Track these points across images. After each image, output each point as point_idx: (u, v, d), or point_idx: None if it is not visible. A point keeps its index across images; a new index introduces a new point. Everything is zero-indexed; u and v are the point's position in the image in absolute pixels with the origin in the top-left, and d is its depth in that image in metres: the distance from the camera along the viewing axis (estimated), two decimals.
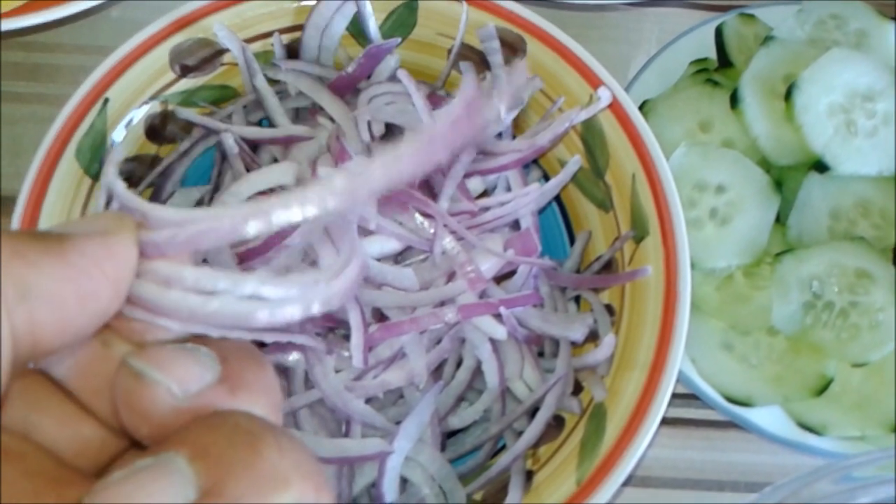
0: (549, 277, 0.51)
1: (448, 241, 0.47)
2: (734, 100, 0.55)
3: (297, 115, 0.55)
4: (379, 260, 0.47)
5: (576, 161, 0.51)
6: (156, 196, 0.53)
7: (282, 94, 0.54)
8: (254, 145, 0.53)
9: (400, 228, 0.47)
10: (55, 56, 0.65)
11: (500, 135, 0.52)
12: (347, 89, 0.54)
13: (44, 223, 0.48)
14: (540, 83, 0.53)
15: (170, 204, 0.53)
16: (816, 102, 0.54)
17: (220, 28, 0.52)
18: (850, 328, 0.51)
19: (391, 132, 0.53)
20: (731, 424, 0.53)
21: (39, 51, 0.65)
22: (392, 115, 0.52)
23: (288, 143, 0.52)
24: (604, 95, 0.50)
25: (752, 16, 0.61)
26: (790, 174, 0.55)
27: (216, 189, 0.53)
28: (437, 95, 0.54)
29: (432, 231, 0.47)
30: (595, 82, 0.52)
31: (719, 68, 0.60)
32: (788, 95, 0.54)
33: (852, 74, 0.55)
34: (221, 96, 0.55)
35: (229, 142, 0.51)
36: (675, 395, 0.55)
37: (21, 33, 0.62)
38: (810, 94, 0.54)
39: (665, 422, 0.55)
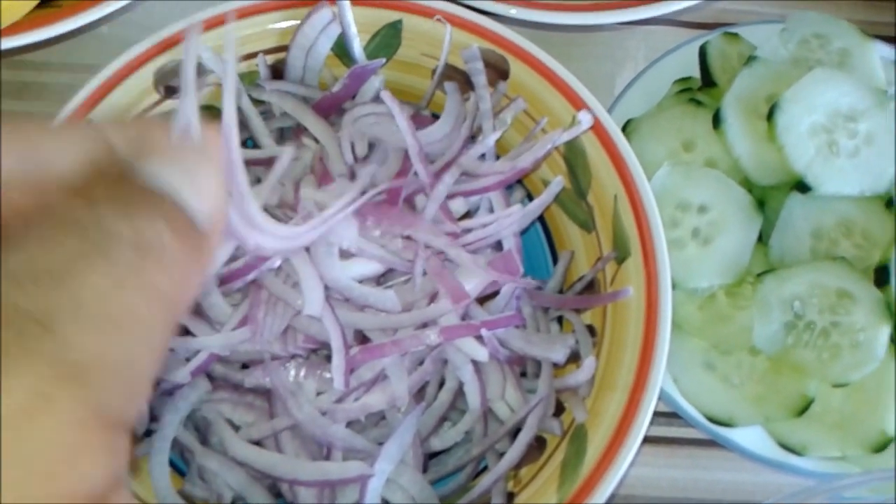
0: (531, 297, 0.51)
1: (429, 261, 0.47)
2: (717, 120, 0.56)
3: (282, 136, 0.55)
4: (360, 282, 0.47)
5: (558, 182, 0.52)
6: None
7: (266, 114, 0.55)
8: None
9: (381, 251, 0.47)
10: (43, 74, 0.66)
11: (483, 156, 0.52)
12: (332, 109, 0.54)
13: None
14: (523, 104, 0.54)
15: None
16: (798, 123, 0.54)
17: (205, 50, 0.52)
18: (831, 348, 0.51)
19: (374, 152, 0.53)
20: (714, 443, 0.54)
21: (27, 69, 0.65)
22: (376, 135, 0.52)
23: (272, 164, 0.52)
24: (584, 119, 0.50)
25: (735, 35, 0.62)
26: (772, 194, 0.55)
27: None
28: (421, 116, 0.55)
29: (413, 252, 0.47)
30: (578, 103, 0.52)
31: (703, 87, 0.60)
32: (770, 115, 0.55)
33: (834, 94, 0.55)
34: (207, 117, 0.55)
35: None
36: (658, 414, 0.55)
37: (10, 53, 0.62)
38: (792, 114, 0.54)
39: (648, 440, 0.56)
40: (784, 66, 0.57)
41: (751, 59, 0.57)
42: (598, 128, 0.51)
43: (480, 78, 0.54)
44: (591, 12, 0.58)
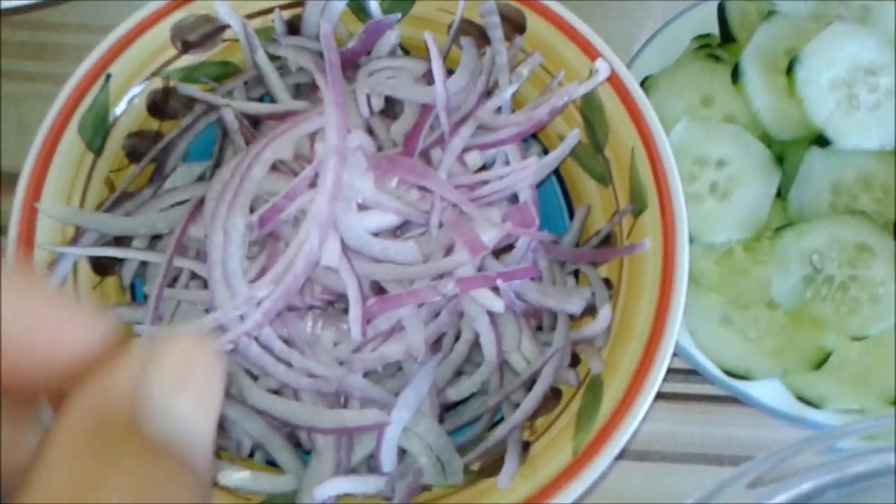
0: (547, 251, 0.51)
1: (446, 212, 0.47)
2: (735, 74, 0.55)
3: (298, 91, 0.55)
4: (377, 234, 0.47)
5: (574, 135, 0.52)
6: (158, 171, 0.53)
7: (283, 69, 0.55)
8: (255, 120, 0.53)
9: (397, 202, 0.47)
10: (60, 35, 0.66)
11: (499, 109, 0.52)
12: (348, 65, 0.54)
13: (47, 198, 0.49)
14: (539, 58, 0.53)
15: (172, 179, 0.53)
16: (818, 77, 0.54)
17: (221, 4, 0.52)
18: (849, 302, 0.51)
19: (391, 107, 0.53)
20: (731, 399, 0.53)
21: (45, 30, 0.66)
22: (392, 88, 0.52)
23: (288, 118, 0.52)
24: (602, 68, 0.50)
25: None
26: (791, 149, 0.55)
27: (217, 164, 0.53)
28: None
29: (430, 204, 0.47)
30: (595, 56, 0.52)
31: (722, 44, 0.60)
32: (790, 70, 0.54)
33: (855, 49, 0.54)
34: (223, 72, 0.55)
35: (229, 117, 0.51)
36: (674, 370, 0.55)
37: (25, 11, 0.62)
38: (812, 68, 0.54)
39: (664, 396, 0.56)
40: (804, 21, 0.56)
41: (770, 14, 0.57)
42: (615, 80, 0.51)
43: (497, 32, 0.53)
44: None
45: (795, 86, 0.54)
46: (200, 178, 0.54)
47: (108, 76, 0.51)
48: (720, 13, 0.60)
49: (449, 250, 0.48)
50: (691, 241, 0.51)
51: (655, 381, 0.45)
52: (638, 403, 0.45)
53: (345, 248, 0.46)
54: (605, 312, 0.48)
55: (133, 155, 0.53)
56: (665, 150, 0.49)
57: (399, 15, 0.55)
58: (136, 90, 0.53)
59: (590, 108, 0.52)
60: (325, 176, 0.46)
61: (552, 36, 0.53)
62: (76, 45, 0.65)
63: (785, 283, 0.51)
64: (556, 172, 0.54)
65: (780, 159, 0.54)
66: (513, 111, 0.53)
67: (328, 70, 0.48)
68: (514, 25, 0.54)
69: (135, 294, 0.52)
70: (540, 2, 0.53)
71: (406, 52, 0.56)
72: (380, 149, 0.51)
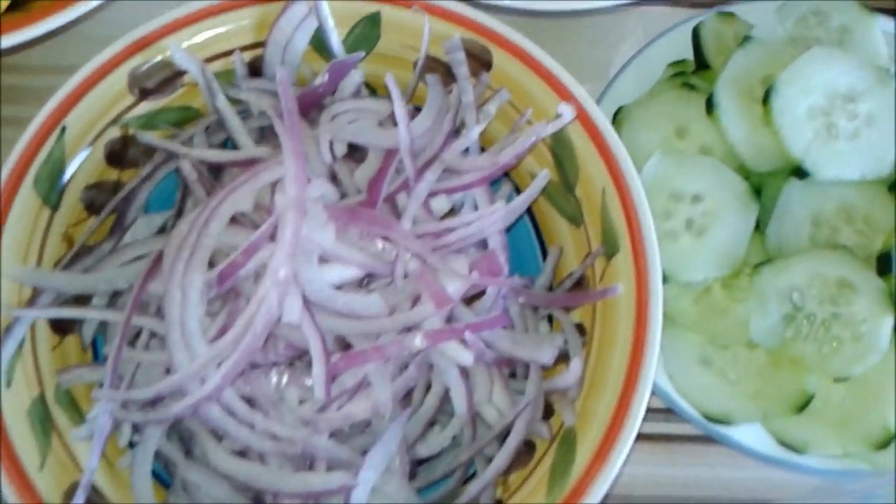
0: (519, 296, 0.50)
1: (411, 262, 0.46)
2: (710, 105, 0.54)
3: (262, 134, 0.54)
4: (340, 287, 0.46)
5: (544, 176, 0.50)
6: (118, 223, 0.52)
7: (245, 113, 0.53)
8: (218, 167, 0.52)
9: (359, 254, 0.46)
10: (24, 77, 0.64)
11: (466, 150, 0.51)
12: (312, 106, 0.53)
13: (4, 253, 0.48)
14: (507, 95, 0.52)
15: (133, 231, 0.52)
16: (795, 105, 0.52)
17: (177, 49, 0.51)
18: (832, 340, 0.49)
19: (356, 149, 0.52)
20: (713, 439, 0.52)
21: (7, 72, 0.64)
22: (355, 134, 0.50)
23: (251, 165, 0.51)
24: (566, 112, 0.48)
25: (731, 14, 0.60)
26: (769, 181, 0.54)
27: (179, 214, 0.52)
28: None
29: (394, 254, 0.46)
30: (564, 93, 0.50)
31: (697, 70, 0.58)
32: (766, 99, 0.52)
33: (832, 74, 0.53)
34: (184, 117, 0.54)
35: (187, 169, 0.50)
36: (654, 410, 0.54)
37: None
38: (788, 96, 0.52)
39: (645, 437, 0.54)
40: (780, 46, 0.55)
41: (745, 40, 0.55)
42: (584, 119, 0.49)
43: (462, 69, 0.52)
44: None
45: (772, 115, 0.52)
46: (163, 229, 0.52)
47: (64, 128, 0.50)
48: (695, 38, 0.58)
49: (416, 300, 0.46)
50: (667, 279, 0.49)
51: (630, 433, 0.44)
52: (613, 458, 0.44)
53: (307, 302, 0.45)
54: (575, 365, 0.46)
55: (92, 207, 0.52)
56: (637, 191, 0.47)
57: (362, 53, 0.53)
58: (93, 140, 0.51)
59: (560, 147, 0.50)
60: (283, 230, 0.44)
61: (519, 72, 0.52)
62: (40, 87, 0.63)
63: (764, 321, 0.50)
64: (529, 211, 0.53)
65: (757, 192, 0.53)
66: (481, 149, 0.52)
67: (286, 118, 0.46)
68: (481, 62, 0.52)
69: (96, 352, 0.51)
70: (506, 37, 0.52)
71: (373, 90, 0.55)
72: (343, 195, 0.49)
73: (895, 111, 0.53)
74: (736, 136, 0.53)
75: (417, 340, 0.45)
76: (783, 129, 0.52)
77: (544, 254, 0.53)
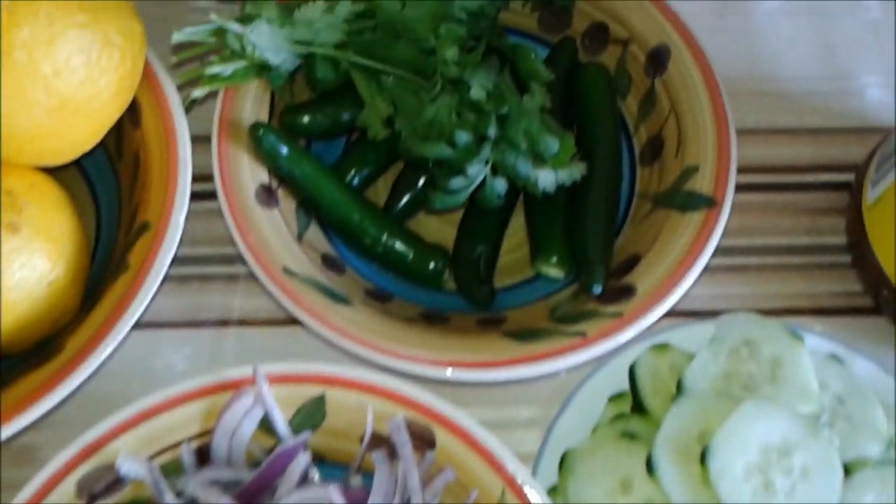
0: None
1: None
2: (650, 465, 0.55)
3: None
4: None
5: None
6: None
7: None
8: None
9: None
10: None
11: None
12: (262, 492, 0.54)
13: None
14: (452, 474, 0.53)
15: None
16: (732, 465, 0.54)
17: (124, 461, 0.52)
18: None
19: None
20: None
21: None
22: None
23: None
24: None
25: (664, 345, 0.62)
26: None
27: None
28: (351, 490, 0.54)
29: None
30: (504, 474, 0.52)
31: (635, 411, 0.60)
32: (703, 458, 0.54)
33: (765, 428, 0.55)
34: None
35: None
36: None
37: None
38: (725, 457, 0.54)
39: None
40: (711, 401, 0.56)
41: (678, 392, 0.57)
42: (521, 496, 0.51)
43: (406, 449, 0.53)
44: (529, 364, 0.57)
45: (710, 477, 0.53)
46: None
47: None
48: (631, 379, 0.60)
49: None
50: None
51: None
52: None
53: None
54: None
55: None
56: None
57: (309, 433, 0.54)
58: None
59: None
60: None
61: (462, 451, 0.53)
62: None
63: None
64: None
65: None
66: None
67: None
68: (425, 440, 0.54)
69: None
70: (447, 417, 0.54)
71: (321, 458, 0.56)
72: None
73: (830, 462, 0.54)
74: (678, 498, 0.54)
75: None
76: (722, 492, 0.53)
77: None
